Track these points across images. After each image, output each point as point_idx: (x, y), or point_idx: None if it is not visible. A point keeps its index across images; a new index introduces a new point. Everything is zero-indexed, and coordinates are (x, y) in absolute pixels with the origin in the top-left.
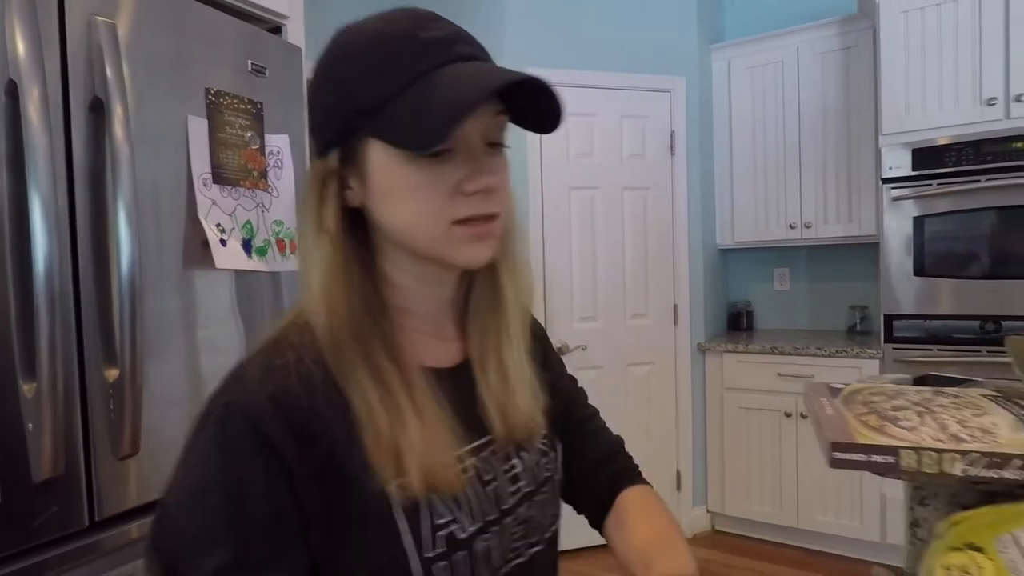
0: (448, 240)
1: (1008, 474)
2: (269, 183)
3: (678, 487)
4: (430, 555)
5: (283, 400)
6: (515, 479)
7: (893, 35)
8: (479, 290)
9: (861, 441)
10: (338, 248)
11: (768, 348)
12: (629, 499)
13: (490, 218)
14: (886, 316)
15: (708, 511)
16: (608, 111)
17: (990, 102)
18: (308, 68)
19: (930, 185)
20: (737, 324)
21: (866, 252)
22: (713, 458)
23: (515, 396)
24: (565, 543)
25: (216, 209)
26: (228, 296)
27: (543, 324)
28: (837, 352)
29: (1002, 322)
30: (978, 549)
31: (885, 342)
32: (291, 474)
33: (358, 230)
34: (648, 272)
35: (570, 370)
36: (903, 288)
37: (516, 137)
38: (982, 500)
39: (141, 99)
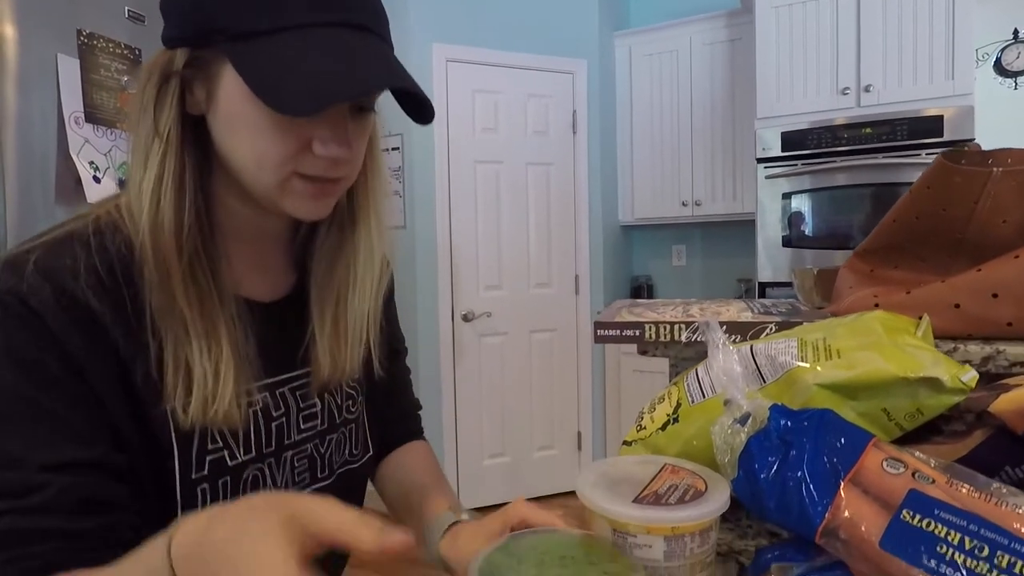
0: (285, 189)
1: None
2: None
3: (579, 446)
4: (194, 476)
5: (66, 299)
6: (310, 418)
7: (767, 28)
8: (332, 233)
9: (617, 320)
10: (174, 159)
11: None
12: (409, 449)
13: (334, 180)
14: (760, 284)
15: None
16: (513, 89)
17: (844, 91)
18: None
19: (795, 165)
20: (638, 296)
21: (749, 229)
22: (611, 418)
23: (345, 341)
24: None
25: (89, 147)
26: None
27: (450, 292)
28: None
29: None
30: (675, 384)
31: None
32: (80, 367)
33: (197, 138)
34: (551, 244)
35: (476, 336)
36: (774, 258)
37: None
38: None
39: (8, 36)
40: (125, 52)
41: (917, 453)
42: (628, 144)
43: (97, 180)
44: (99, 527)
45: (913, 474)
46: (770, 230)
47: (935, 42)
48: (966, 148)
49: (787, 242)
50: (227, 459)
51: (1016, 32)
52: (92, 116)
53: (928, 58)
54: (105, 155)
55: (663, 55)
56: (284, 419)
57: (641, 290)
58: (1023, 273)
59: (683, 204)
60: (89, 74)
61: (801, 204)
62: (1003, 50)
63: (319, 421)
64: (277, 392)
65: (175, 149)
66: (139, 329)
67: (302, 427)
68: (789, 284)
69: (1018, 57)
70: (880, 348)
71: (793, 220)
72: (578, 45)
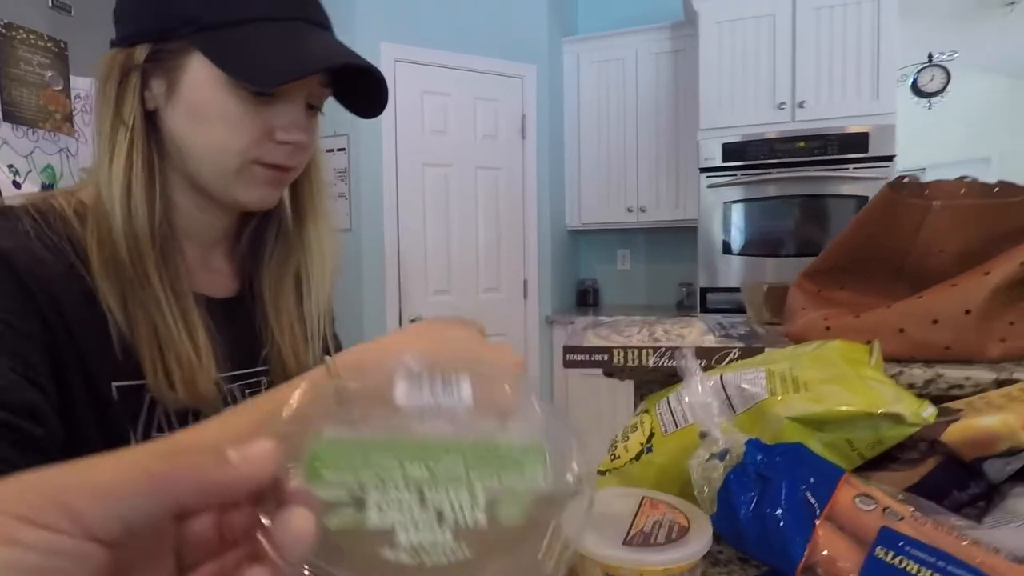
0: (242, 176)
1: (675, 362)
2: (76, 128)
3: None
4: None
5: (13, 254)
6: None
7: (709, 43)
8: (280, 241)
9: (586, 344)
10: (142, 145)
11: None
12: None
13: (289, 169)
14: (702, 289)
15: None
16: (462, 92)
17: (780, 106)
18: None
19: (735, 175)
20: (585, 300)
21: (691, 235)
22: None
23: (305, 340)
24: None
25: (8, 149)
26: None
27: (397, 296)
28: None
29: None
30: (647, 411)
31: (701, 311)
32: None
33: (153, 133)
34: (500, 248)
35: None
36: (715, 265)
37: None
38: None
39: None
40: (49, 45)
41: (884, 487)
42: (576, 150)
43: (17, 185)
44: (42, 436)
45: (884, 510)
46: (711, 237)
47: (862, 62)
48: (907, 180)
49: (727, 249)
50: None
51: (930, 56)
52: (11, 115)
53: (856, 77)
54: (26, 157)
55: (610, 63)
56: None
57: (587, 294)
58: (959, 301)
59: (628, 210)
60: (7, 68)
61: (740, 213)
62: (919, 72)
63: None
64: (227, 388)
65: (141, 136)
66: (96, 308)
67: None
68: (728, 290)
69: (932, 79)
70: (845, 382)
71: (732, 228)
72: (528, 50)
